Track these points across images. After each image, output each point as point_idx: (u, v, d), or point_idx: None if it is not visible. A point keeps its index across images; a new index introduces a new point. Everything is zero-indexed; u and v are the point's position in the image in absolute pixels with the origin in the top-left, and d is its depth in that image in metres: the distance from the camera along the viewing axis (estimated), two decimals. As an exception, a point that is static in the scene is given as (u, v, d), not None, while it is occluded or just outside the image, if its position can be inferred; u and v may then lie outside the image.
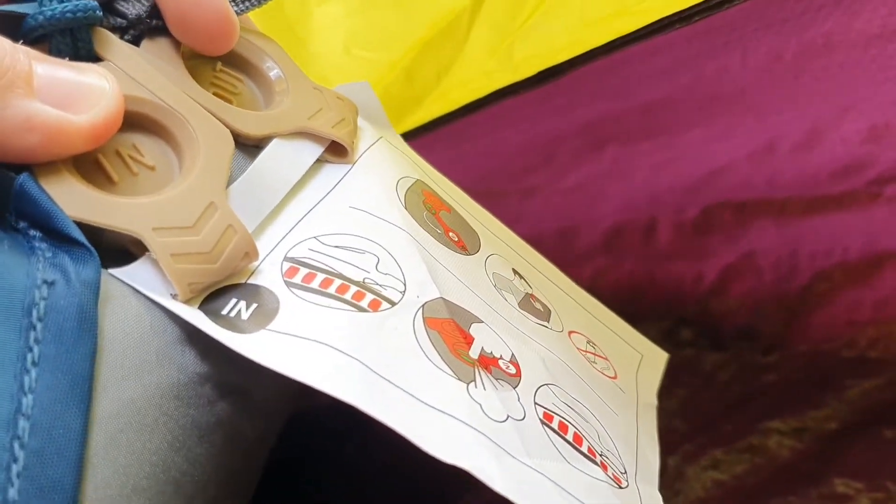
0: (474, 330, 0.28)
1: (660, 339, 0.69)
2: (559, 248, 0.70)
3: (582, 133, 0.60)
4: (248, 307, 0.23)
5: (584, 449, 0.28)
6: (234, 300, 0.23)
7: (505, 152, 0.63)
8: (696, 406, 0.58)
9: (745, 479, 0.55)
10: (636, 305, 0.70)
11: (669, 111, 0.55)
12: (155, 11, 0.26)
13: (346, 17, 0.44)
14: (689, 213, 0.64)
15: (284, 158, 0.28)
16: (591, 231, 0.68)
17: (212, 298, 0.23)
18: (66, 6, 0.23)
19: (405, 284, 0.27)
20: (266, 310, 0.23)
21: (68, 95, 0.21)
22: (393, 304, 0.26)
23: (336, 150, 0.30)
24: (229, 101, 0.27)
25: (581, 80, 0.48)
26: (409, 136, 0.56)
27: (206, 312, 0.23)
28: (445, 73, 0.48)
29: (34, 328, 0.19)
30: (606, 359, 0.36)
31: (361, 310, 0.25)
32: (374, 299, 0.25)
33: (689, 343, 0.65)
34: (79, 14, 0.23)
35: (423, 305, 0.26)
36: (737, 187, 0.60)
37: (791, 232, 0.60)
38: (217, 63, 0.29)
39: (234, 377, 0.24)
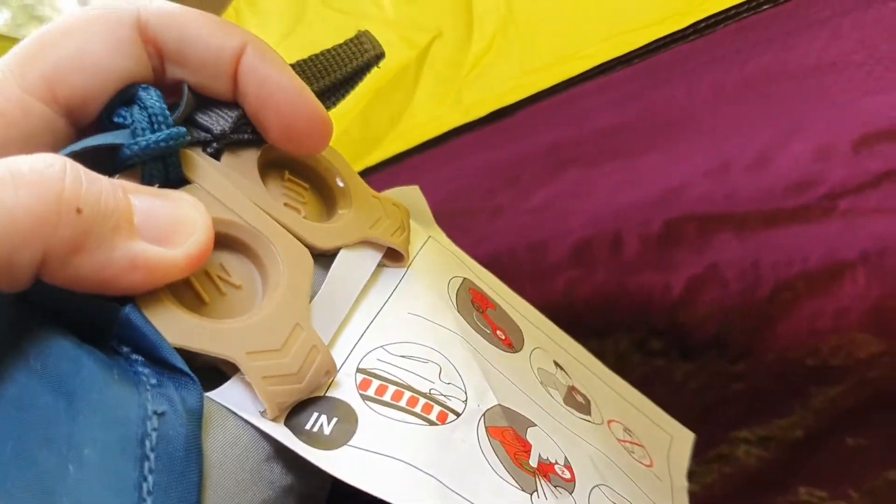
0: (530, 435, 0.28)
1: (632, 350, 0.71)
2: (530, 261, 0.71)
3: (543, 156, 0.61)
4: (329, 421, 0.24)
5: None
6: (315, 414, 0.24)
7: (469, 175, 0.64)
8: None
9: (715, 489, 0.56)
10: (609, 316, 0.71)
11: (626, 136, 0.56)
12: (239, 126, 0.27)
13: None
14: (653, 226, 0.65)
15: (351, 269, 0.28)
16: (560, 244, 0.69)
17: (294, 413, 0.24)
18: (160, 136, 0.24)
19: (466, 393, 0.27)
20: (346, 425, 0.24)
21: (165, 229, 0.22)
22: (458, 414, 0.26)
23: (393, 255, 0.31)
24: (298, 211, 0.28)
25: (534, 114, 0.49)
26: (371, 171, 0.57)
27: (292, 429, 0.24)
28: (399, 118, 0.49)
29: (148, 458, 0.20)
30: (642, 446, 0.37)
31: (431, 423, 0.25)
32: (442, 411, 0.26)
33: (660, 353, 0.67)
34: (171, 143, 0.24)
35: (483, 415, 0.27)
36: (697, 202, 0.61)
37: (752, 243, 0.61)
38: (285, 172, 0.29)
39: (311, 486, 0.25)
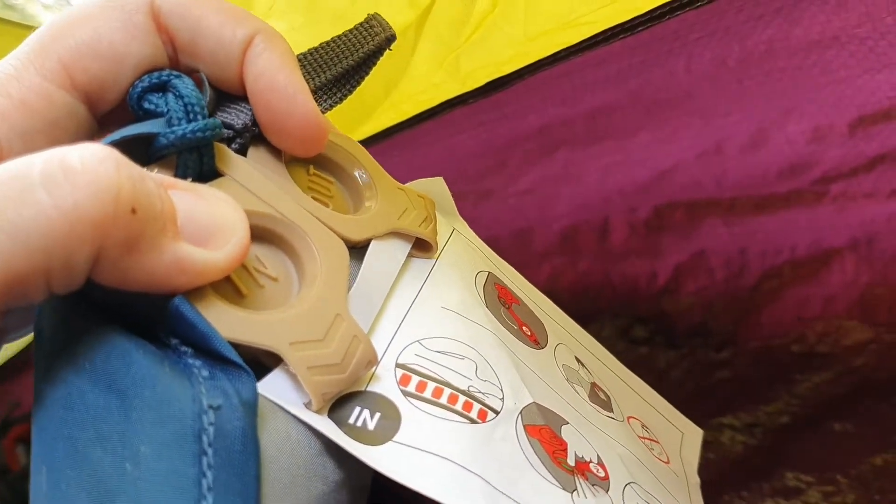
0: (565, 433, 0.29)
1: (616, 337, 0.70)
2: (516, 249, 0.71)
3: (534, 138, 0.60)
4: (372, 416, 0.24)
5: None
6: (358, 408, 0.24)
7: (460, 157, 0.63)
8: (652, 403, 0.59)
9: (699, 475, 0.56)
10: (593, 304, 0.71)
11: (617, 116, 0.56)
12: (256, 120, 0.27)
13: (289, 32, 0.44)
14: (641, 213, 0.64)
15: (383, 260, 0.29)
16: (547, 232, 0.69)
17: (338, 406, 0.24)
18: (196, 125, 0.24)
19: (502, 391, 0.28)
20: (389, 421, 0.24)
21: (206, 231, 0.22)
22: (496, 412, 0.27)
23: (421, 246, 0.31)
24: (326, 205, 0.28)
25: (530, 88, 0.48)
26: (363, 144, 0.56)
27: (336, 422, 0.24)
28: (394, 85, 0.48)
29: (206, 454, 0.20)
30: (658, 442, 0.38)
31: (472, 421, 0.26)
32: (482, 409, 0.26)
33: (645, 341, 0.66)
34: (207, 133, 0.24)
35: (521, 413, 0.27)
36: (686, 187, 0.61)
37: (740, 230, 0.61)
38: (310, 167, 0.29)
39: (361, 478, 0.25)
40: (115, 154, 0.19)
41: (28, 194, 0.18)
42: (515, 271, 0.37)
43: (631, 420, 0.36)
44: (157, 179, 0.21)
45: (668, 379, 0.63)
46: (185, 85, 0.24)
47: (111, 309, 0.22)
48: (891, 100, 0.48)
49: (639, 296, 0.68)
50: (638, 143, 0.58)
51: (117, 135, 0.23)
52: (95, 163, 0.18)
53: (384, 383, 0.25)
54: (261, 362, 0.24)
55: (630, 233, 0.66)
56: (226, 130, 0.26)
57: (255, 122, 0.27)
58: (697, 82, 0.50)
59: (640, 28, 0.42)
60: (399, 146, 0.56)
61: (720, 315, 0.64)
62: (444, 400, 0.26)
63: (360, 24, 0.30)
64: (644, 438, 0.36)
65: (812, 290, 0.60)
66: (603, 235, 0.68)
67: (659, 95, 0.52)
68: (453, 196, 0.35)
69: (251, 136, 0.27)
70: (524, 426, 0.27)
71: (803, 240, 0.60)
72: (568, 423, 0.30)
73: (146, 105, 0.25)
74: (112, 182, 0.18)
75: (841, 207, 0.56)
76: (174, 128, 0.24)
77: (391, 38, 0.30)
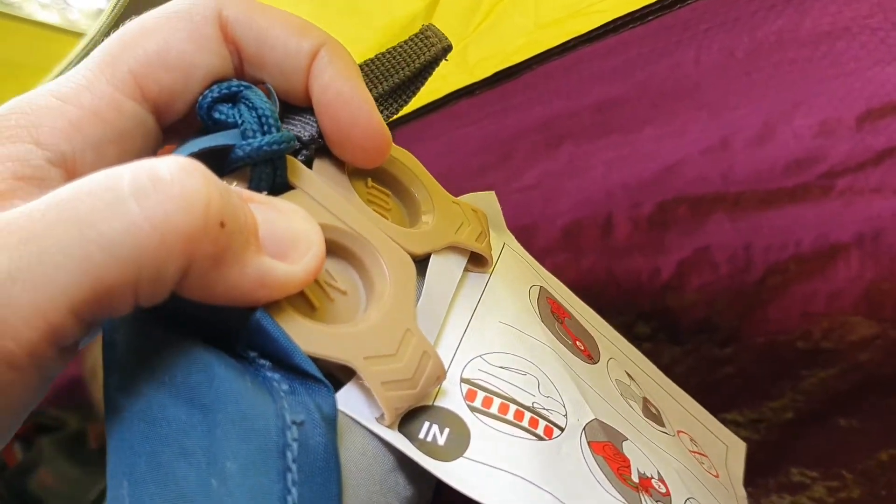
0: (626, 450, 0.29)
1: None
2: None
3: (538, 131, 0.60)
4: (441, 431, 0.24)
5: None
6: (427, 423, 0.24)
7: (463, 151, 0.63)
8: (656, 399, 0.59)
9: (706, 471, 0.56)
10: (596, 301, 0.70)
11: (623, 109, 0.55)
12: (321, 132, 0.27)
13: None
14: (645, 208, 0.64)
15: (442, 274, 0.29)
16: (550, 227, 0.69)
17: (406, 421, 0.24)
18: (272, 138, 0.24)
19: (565, 407, 0.28)
20: (459, 436, 0.24)
21: (284, 244, 0.22)
22: (561, 429, 0.27)
23: (476, 260, 0.31)
24: (385, 218, 0.28)
25: (536, 80, 0.48)
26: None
27: (406, 437, 0.24)
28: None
29: (290, 470, 0.20)
30: (707, 456, 0.38)
31: (539, 438, 0.26)
32: (547, 426, 0.26)
33: (648, 337, 0.66)
34: (283, 145, 0.24)
35: (584, 429, 0.28)
36: (691, 182, 0.61)
37: (746, 226, 0.61)
38: (368, 179, 0.29)
39: (425, 494, 0.25)
40: (202, 166, 0.19)
41: (118, 206, 0.17)
42: (562, 284, 0.37)
43: (680, 434, 0.36)
44: (235, 191, 0.21)
45: (672, 375, 0.62)
46: (258, 96, 0.24)
47: (186, 321, 0.21)
48: (900, 93, 0.48)
49: (642, 292, 0.67)
50: (644, 137, 0.57)
51: (193, 146, 0.23)
52: (184, 175, 0.18)
53: (451, 398, 0.25)
54: (331, 376, 0.23)
55: (633, 228, 0.66)
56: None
57: (320, 134, 0.26)
58: (706, 74, 0.50)
59: (650, 17, 0.42)
60: (403, 139, 0.55)
61: (724, 311, 0.63)
62: (510, 416, 0.26)
63: (416, 34, 0.30)
64: (694, 453, 0.36)
65: (817, 286, 0.60)
66: (606, 231, 0.67)
67: (666, 87, 0.52)
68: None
69: (315, 148, 0.27)
70: (588, 443, 0.27)
71: (809, 235, 0.59)
72: (627, 438, 0.30)
73: (216, 115, 0.24)
74: (202, 194, 0.18)
75: (847, 202, 0.56)
76: (250, 140, 0.24)
77: (447, 49, 0.30)
